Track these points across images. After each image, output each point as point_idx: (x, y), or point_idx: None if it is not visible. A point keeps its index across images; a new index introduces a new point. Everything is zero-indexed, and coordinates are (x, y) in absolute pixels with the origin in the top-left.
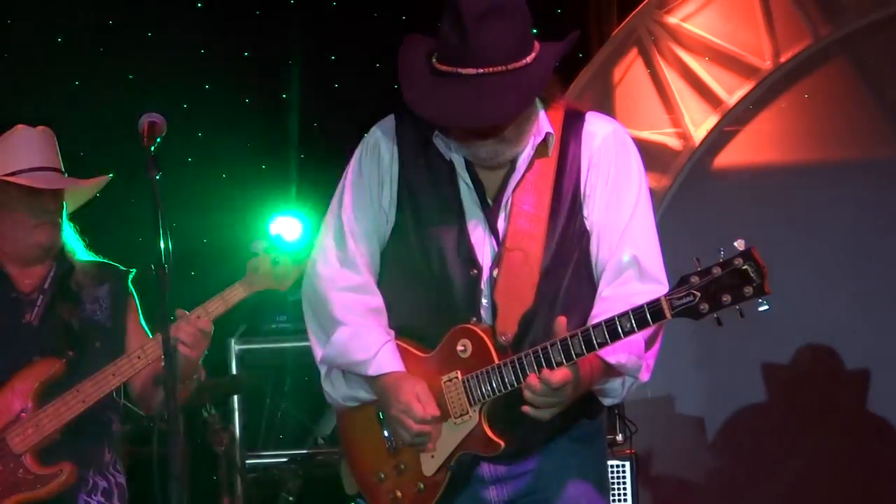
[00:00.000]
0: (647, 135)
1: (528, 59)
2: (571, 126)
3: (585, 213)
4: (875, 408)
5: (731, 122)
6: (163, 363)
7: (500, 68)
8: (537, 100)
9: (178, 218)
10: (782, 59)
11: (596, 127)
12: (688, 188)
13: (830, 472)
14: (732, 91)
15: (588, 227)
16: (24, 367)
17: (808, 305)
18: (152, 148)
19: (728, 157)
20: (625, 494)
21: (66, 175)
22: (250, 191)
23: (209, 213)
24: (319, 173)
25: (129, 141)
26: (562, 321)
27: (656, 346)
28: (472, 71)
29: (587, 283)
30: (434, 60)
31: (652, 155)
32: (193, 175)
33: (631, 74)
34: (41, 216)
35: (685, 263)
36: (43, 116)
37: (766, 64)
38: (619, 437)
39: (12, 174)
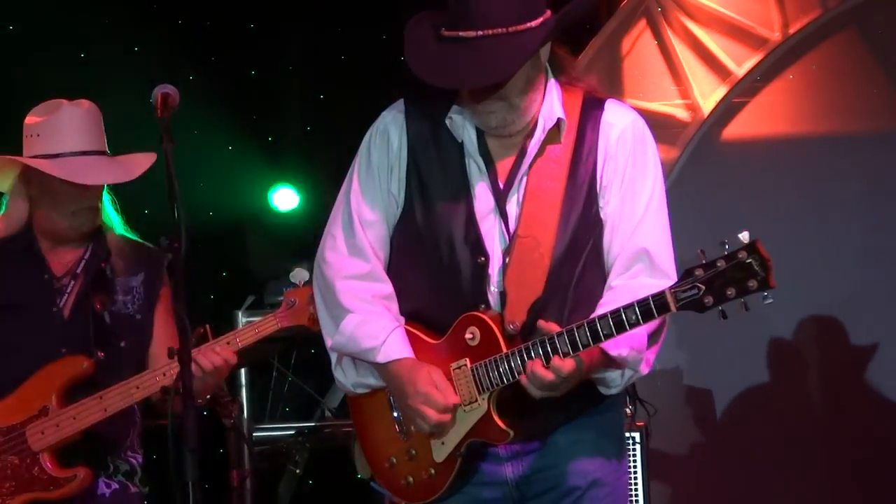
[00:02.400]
0: (655, 106)
1: (533, 23)
2: (589, 113)
3: (601, 203)
4: (884, 381)
5: (740, 94)
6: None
7: (500, 30)
8: (553, 78)
9: (183, 191)
10: (791, 31)
11: (614, 117)
12: (696, 160)
13: (838, 445)
14: (741, 62)
15: (602, 218)
16: (52, 362)
17: (817, 277)
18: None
19: (736, 129)
20: (635, 466)
21: (110, 154)
22: (256, 163)
23: (214, 185)
24: (325, 145)
25: (134, 113)
26: (548, 324)
27: (659, 342)
28: (472, 33)
29: (599, 274)
30: (441, 29)
31: (660, 126)
32: (199, 147)
33: (639, 46)
34: (81, 203)
35: (693, 236)
36: (50, 90)
37: (775, 35)
38: (629, 410)
39: (55, 156)
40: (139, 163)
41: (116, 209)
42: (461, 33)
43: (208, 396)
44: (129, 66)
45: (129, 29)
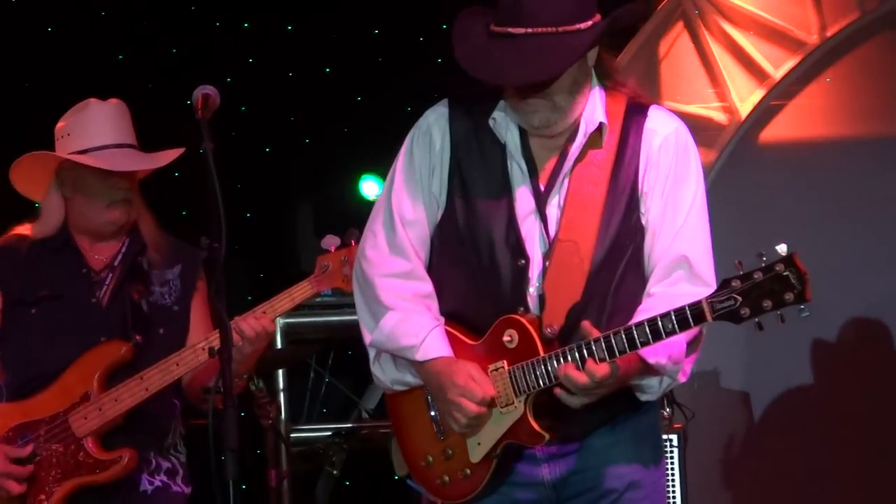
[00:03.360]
0: (692, 109)
1: (583, 24)
2: (632, 119)
3: (642, 209)
4: None
5: (777, 97)
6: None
7: (549, 29)
8: (597, 82)
9: (221, 192)
10: (829, 33)
11: (658, 124)
12: (734, 163)
13: (876, 449)
14: (778, 65)
15: (644, 225)
16: (91, 349)
17: (855, 281)
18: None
19: (774, 132)
20: (672, 470)
21: (141, 149)
22: (293, 165)
23: (252, 187)
24: (363, 148)
25: (174, 114)
26: (587, 326)
27: (697, 350)
28: (521, 30)
29: (638, 280)
30: (492, 25)
31: (698, 129)
32: (236, 149)
33: (677, 48)
34: (115, 195)
35: (730, 238)
36: (89, 91)
37: (813, 38)
38: (666, 413)
39: (85, 151)
40: (167, 154)
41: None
42: (510, 30)
43: (248, 377)
44: (166, 69)
45: (166, 31)
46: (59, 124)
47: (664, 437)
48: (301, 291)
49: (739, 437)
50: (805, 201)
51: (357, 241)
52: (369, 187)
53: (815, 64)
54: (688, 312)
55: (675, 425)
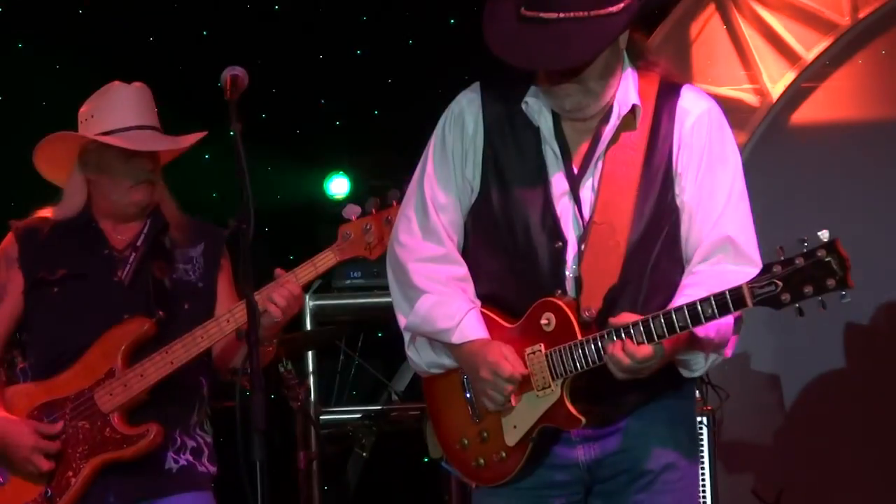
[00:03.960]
0: (724, 91)
1: (614, 8)
2: (665, 99)
3: (677, 190)
4: None
5: (809, 79)
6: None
7: (581, 14)
8: (629, 64)
9: (251, 174)
10: (861, 15)
11: (690, 104)
12: (765, 144)
13: None
14: (810, 47)
15: (679, 205)
16: (114, 326)
17: (888, 265)
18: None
19: (805, 114)
20: (702, 451)
21: (163, 131)
22: (324, 147)
23: (283, 169)
24: (393, 130)
25: (204, 96)
26: (627, 316)
27: (739, 330)
28: (553, 15)
29: (674, 261)
30: (522, 9)
31: (729, 111)
32: (267, 131)
33: (708, 30)
34: (139, 176)
35: (762, 220)
36: (119, 74)
37: (845, 20)
38: (698, 394)
39: (109, 133)
40: (189, 137)
41: (170, 193)
42: (542, 14)
43: (275, 341)
44: (198, 50)
45: (198, 13)
46: (83, 108)
47: None
48: (324, 260)
49: (769, 420)
50: (836, 184)
51: (379, 208)
52: (337, 185)
53: (846, 46)
54: (728, 297)
55: (706, 407)
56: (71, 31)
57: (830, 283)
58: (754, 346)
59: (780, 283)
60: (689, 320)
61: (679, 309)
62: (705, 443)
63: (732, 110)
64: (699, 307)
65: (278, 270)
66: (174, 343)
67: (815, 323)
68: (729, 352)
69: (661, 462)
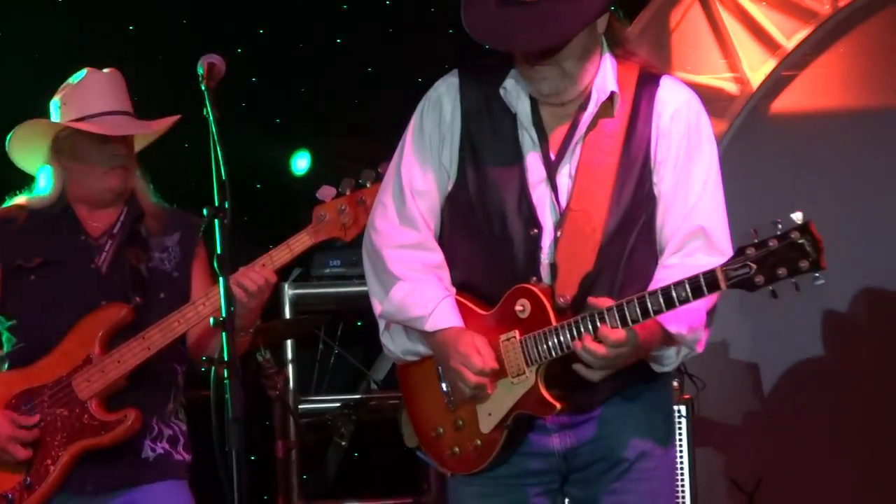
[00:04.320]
0: (703, 79)
1: None
2: (644, 89)
3: (654, 179)
4: None
5: (789, 67)
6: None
7: None
8: (607, 50)
9: (230, 162)
10: (841, 4)
11: (669, 94)
12: (745, 133)
13: (885, 418)
14: (790, 35)
15: (656, 195)
16: (91, 312)
17: (865, 252)
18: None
19: (785, 102)
20: (680, 440)
21: (137, 117)
22: (304, 136)
23: (262, 157)
24: (373, 119)
25: (183, 85)
26: (594, 300)
27: (712, 323)
28: None
29: (650, 251)
30: None
31: (709, 100)
32: (246, 120)
33: (688, 19)
34: (113, 161)
35: (741, 209)
36: (98, 61)
37: (825, 8)
38: (675, 383)
39: (82, 119)
40: (163, 121)
41: (149, 183)
42: None
43: (249, 339)
44: (177, 38)
45: (175, 4)
46: (55, 96)
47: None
48: (299, 242)
49: (748, 408)
50: (816, 172)
51: (353, 188)
52: (300, 163)
53: (827, 34)
54: (702, 280)
55: (684, 396)
56: (49, 18)
57: (804, 264)
58: (732, 335)
59: (753, 266)
60: (662, 304)
61: (653, 292)
62: (684, 432)
63: (712, 99)
64: (673, 290)
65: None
66: (151, 328)
67: (792, 311)
68: (701, 347)
69: (637, 450)
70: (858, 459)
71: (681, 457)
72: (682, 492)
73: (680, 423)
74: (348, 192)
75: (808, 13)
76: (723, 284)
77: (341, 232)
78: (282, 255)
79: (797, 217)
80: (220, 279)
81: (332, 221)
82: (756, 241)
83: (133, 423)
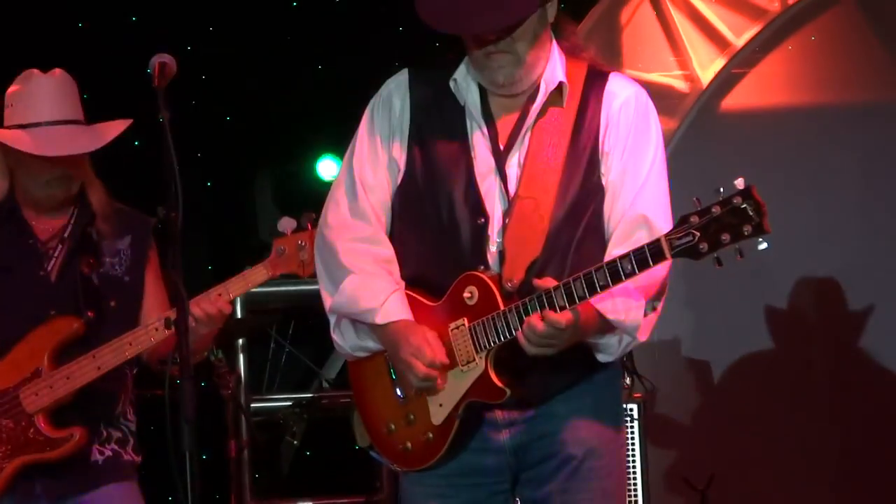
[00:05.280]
0: (654, 77)
1: None
2: (593, 83)
3: (602, 170)
4: (880, 347)
5: (739, 65)
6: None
7: None
8: (556, 44)
9: (181, 162)
10: (790, 1)
11: (618, 87)
12: (695, 130)
13: (836, 413)
14: (740, 33)
15: (604, 185)
16: (42, 324)
17: (813, 248)
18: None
19: (735, 100)
20: (632, 438)
21: (86, 121)
22: (255, 134)
23: (213, 157)
24: (324, 117)
25: (134, 83)
26: (545, 280)
27: (658, 310)
28: None
29: (598, 240)
30: None
31: (659, 97)
32: (197, 118)
33: (638, 16)
34: (54, 171)
35: (691, 207)
36: (48, 60)
37: (774, 6)
38: (627, 381)
39: (24, 126)
40: (110, 130)
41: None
42: None
43: (206, 354)
44: (128, 36)
45: (124, 1)
46: (9, 90)
47: (624, 406)
48: (256, 275)
49: (700, 406)
50: (765, 169)
51: (314, 225)
52: (326, 167)
53: (776, 32)
54: (647, 251)
55: (636, 395)
56: None
57: (747, 229)
58: (683, 333)
59: (697, 233)
60: (609, 278)
61: (598, 267)
62: (636, 431)
63: (662, 96)
64: (619, 263)
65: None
66: (103, 348)
67: (743, 308)
68: (643, 336)
69: (585, 447)
70: (810, 454)
71: (633, 456)
72: (635, 491)
73: (632, 422)
74: (308, 227)
75: (758, 11)
76: (667, 253)
77: (299, 268)
78: (237, 286)
79: (739, 183)
80: (173, 283)
81: (290, 256)
82: (699, 208)
83: (79, 441)
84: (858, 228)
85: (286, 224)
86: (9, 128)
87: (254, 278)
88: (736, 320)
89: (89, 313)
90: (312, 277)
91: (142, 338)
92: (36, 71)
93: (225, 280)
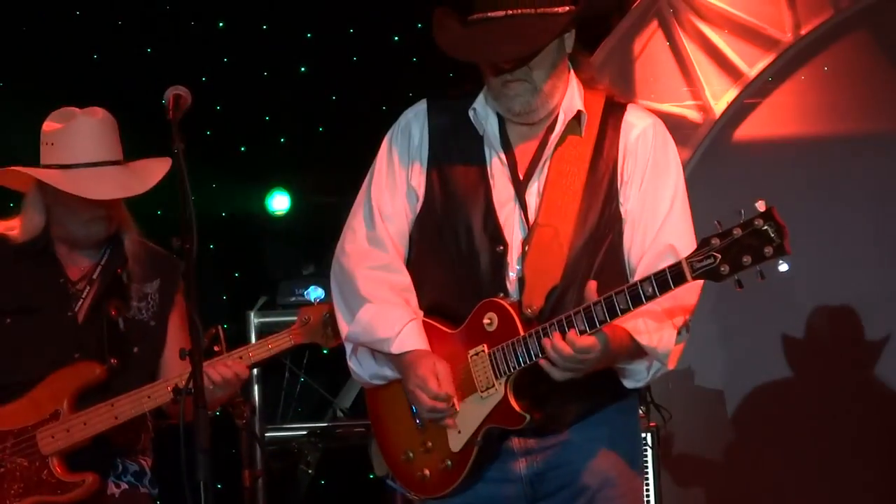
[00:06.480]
0: (667, 107)
1: (560, 9)
2: (611, 113)
3: (621, 199)
4: None
5: (752, 95)
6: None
7: (529, 10)
8: (573, 74)
9: (196, 192)
10: (803, 32)
11: (635, 118)
12: (708, 161)
13: (855, 443)
14: (753, 63)
15: (622, 214)
16: (65, 366)
17: (828, 277)
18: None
19: (748, 130)
20: (646, 467)
21: (125, 161)
22: (270, 164)
23: (228, 187)
24: (338, 146)
25: (148, 114)
26: (592, 285)
27: (685, 340)
28: (500, 13)
29: (617, 269)
30: (467, 17)
31: (672, 127)
32: (212, 149)
33: (651, 47)
34: (95, 211)
35: (706, 235)
36: (62, 92)
37: (787, 36)
38: (641, 410)
39: (66, 167)
40: (153, 172)
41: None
42: (489, 14)
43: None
44: (142, 68)
45: (142, 31)
46: (46, 127)
47: None
48: (278, 343)
49: (714, 435)
50: (778, 199)
51: None
52: (279, 202)
53: (789, 62)
54: (667, 274)
55: (651, 423)
56: (13, 48)
57: (768, 250)
58: (698, 362)
59: (718, 255)
60: (629, 301)
61: (619, 291)
62: (650, 460)
63: (675, 127)
64: (639, 287)
65: (213, 330)
66: (122, 398)
67: (758, 336)
68: (672, 364)
69: (601, 477)
70: (828, 483)
71: (647, 484)
72: None
73: (646, 451)
74: None
75: (771, 41)
76: (688, 276)
77: (322, 340)
78: (259, 352)
79: (760, 205)
80: (188, 311)
81: (315, 327)
82: (720, 231)
83: (90, 486)
84: (872, 257)
85: (313, 293)
86: (49, 166)
87: (276, 346)
88: (749, 350)
89: (113, 360)
90: (325, 279)
91: (160, 392)
92: (77, 110)
93: (245, 328)
